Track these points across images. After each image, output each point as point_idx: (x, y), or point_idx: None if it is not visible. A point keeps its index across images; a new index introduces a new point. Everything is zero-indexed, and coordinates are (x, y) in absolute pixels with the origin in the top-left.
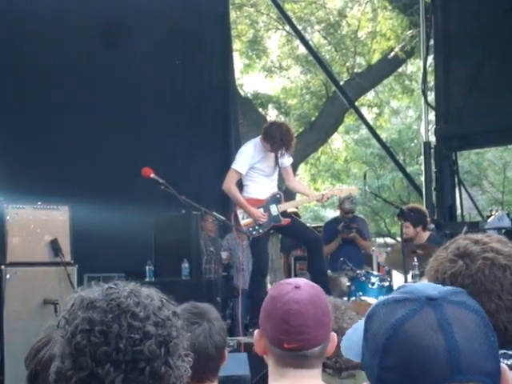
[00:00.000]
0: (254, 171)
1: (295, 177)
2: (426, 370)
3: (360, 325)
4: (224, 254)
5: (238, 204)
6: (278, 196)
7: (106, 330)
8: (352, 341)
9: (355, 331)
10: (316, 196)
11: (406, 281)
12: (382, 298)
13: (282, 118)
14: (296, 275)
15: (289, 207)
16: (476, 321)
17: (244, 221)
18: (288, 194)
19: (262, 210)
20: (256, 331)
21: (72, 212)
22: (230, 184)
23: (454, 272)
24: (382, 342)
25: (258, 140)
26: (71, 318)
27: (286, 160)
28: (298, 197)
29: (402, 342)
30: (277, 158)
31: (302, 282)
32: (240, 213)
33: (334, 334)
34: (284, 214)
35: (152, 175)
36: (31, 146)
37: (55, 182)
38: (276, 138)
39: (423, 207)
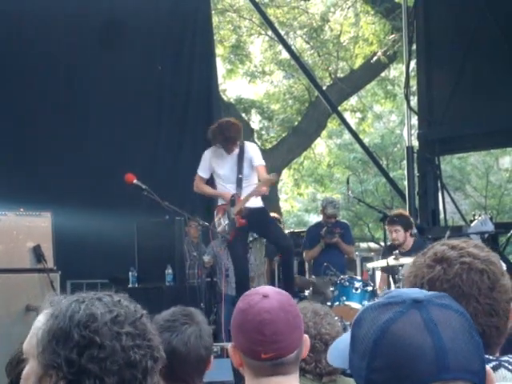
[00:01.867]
0: (217, 177)
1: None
2: (414, 369)
3: (345, 336)
4: (206, 258)
5: (210, 195)
6: (233, 198)
7: (149, 343)
8: (338, 350)
9: (341, 341)
10: (249, 195)
11: (388, 284)
12: (368, 303)
13: (266, 123)
14: (279, 281)
15: (238, 208)
16: (461, 322)
17: (219, 228)
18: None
19: (226, 216)
20: (229, 346)
21: (54, 218)
22: (197, 185)
23: (432, 277)
24: (371, 344)
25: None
26: (109, 335)
27: (256, 160)
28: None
29: (389, 343)
30: (239, 162)
31: (269, 290)
32: (216, 221)
33: (306, 337)
34: (265, 219)
35: (135, 181)
36: (12, 152)
37: (37, 188)
38: (216, 134)
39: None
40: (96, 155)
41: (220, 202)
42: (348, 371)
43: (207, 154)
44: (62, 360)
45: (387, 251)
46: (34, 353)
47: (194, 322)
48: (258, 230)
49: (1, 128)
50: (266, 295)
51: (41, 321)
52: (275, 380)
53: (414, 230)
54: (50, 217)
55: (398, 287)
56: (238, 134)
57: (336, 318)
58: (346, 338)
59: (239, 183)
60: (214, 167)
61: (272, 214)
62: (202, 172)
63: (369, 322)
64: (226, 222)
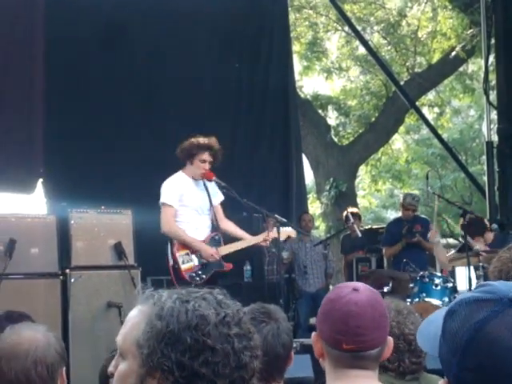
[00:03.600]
0: (184, 207)
1: (355, 178)
2: (507, 371)
3: (435, 317)
4: (285, 254)
5: (185, 243)
6: (217, 238)
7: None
8: (427, 333)
9: (430, 324)
10: (256, 239)
11: (469, 281)
12: (463, 295)
13: (342, 119)
14: (358, 277)
15: (228, 251)
16: None
17: (184, 265)
18: (351, 199)
19: (198, 254)
20: (313, 334)
21: (135, 216)
22: (169, 222)
23: None
24: (463, 342)
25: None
26: (223, 337)
27: (217, 196)
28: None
29: (482, 344)
30: (207, 190)
31: (361, 285)
32: (180, 256)
33: (390, 339)
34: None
35: (214, 178)
36: (92, 150)
37: (118, 187)
38: (178, 154)
39: (476, 215)
40: (173, 153)
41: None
42: (429, 367)
43: (173, 180)
44: (173, 364)
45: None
46: (135, 352)
47: (271, 320)
48: None
49: (81, 127)
50: (357, 289)
51: (138, 317)
52: (354, 373)
53: (494, 226)
54: (131, 214)
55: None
56: (187, 148)
57: (417, 315)
58: (437, 319)
59: (207, 217)
60: (183, 194)
61: (351, 209)
62: (169, 200)
63: (462, 318)
64: (200, 261)
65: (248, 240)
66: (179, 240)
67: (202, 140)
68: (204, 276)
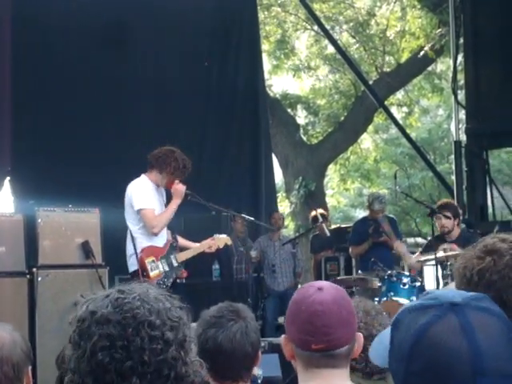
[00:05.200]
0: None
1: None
2: (450, 373)
3: (386, 333)
4: (253, 253)
5: (172, 212)
6: (175, 245)
7: (128, 344)
8: (379, 348)
9: (382, 339)
10: (201, 246)
11: (437, 279)
12: (406, 304)
13: (311, 118)
14: (327, 276)
15: (185, 258)
16: (499, 325)
17: (153, 272)
18: (320, 198)
19: (164, 261)
20: (282, 336)
21: (102, 214)
22: (155, 219)
23: (482, 268)
24: (408, 347)
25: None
26: (86, 335)
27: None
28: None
29: (426, 347)
30: (163, 198)
31: (325, 284)
32: (148, 263)
33: (360, 335)
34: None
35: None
36: (60, 149)
37: (85, 185)
38: (151, 158)
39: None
40: (143, 152)
41: (149, 243)
42: None
43: (140, 184)
44: None
45: (434, 242)
46: None
47: (240, 318)
48: None
49: (51, 126)
50: (321, 288)
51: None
52: (325, 372)
53: (462, 225)
54: (99, 213)
55: (447, 283)
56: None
57: (385, 314)
58: (386, 335)
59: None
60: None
61: (319, 210)
62: (149, 204)
63: (406, 325)
64: (166, 268)
65: (196, 248)
66: (169, 217)
67: (187, 165)
68: (168, 283)
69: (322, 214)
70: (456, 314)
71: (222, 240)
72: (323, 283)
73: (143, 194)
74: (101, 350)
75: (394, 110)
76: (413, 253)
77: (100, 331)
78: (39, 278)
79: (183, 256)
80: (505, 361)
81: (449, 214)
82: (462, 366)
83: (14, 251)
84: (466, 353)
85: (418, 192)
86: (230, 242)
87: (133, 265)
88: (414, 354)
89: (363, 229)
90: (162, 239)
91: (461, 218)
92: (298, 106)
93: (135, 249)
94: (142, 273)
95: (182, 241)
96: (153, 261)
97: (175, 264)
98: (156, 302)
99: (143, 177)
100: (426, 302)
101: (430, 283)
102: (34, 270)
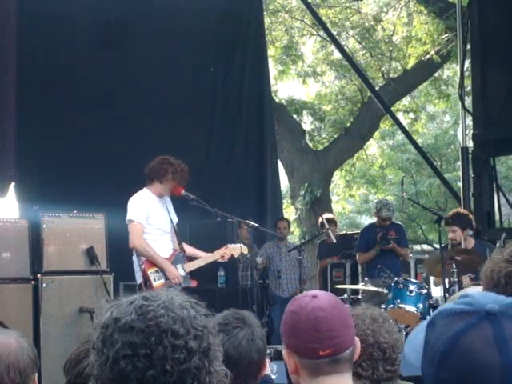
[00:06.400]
0: (149, 226)
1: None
2: None
3: (421, 328)
4: (259, 260)
5: (153, 260)
6: (182, 255)
7: (150, 353)
8: (413, 345)
9: (416, 335)
10: (213, 256)
11: (444, 288)
12: (443, 306)
13: (317, 124)
14: (332, 283)
15: (194, 267)
16: None
17: (156, 283)
18: (325, 204)
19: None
20: (283, 351)
21: (108, 220)
22: (138, 238)
23: (509, 271)
24: (439, 354)
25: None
26: (109, 342)
27: (174, 216)
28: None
29: (457, 357)
30: (167, 210)
31: (316, 291)
32: (151, 273)
33: (356, 339)
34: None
35: (182, 192)
36: (65, 155)
37: (90, 191)
38: (147, 172)
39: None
40: (148, 157)
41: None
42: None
43: (139, 197)
44: None
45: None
46: None
47: (245, 326)
48: None
49: (54, 132)
50: (315, 296)
51: None
52: (334, 379)
53: (469, 232)
54: (104, 219)
55: (453, 290)
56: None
57: (392, 322)
58: (421, 331)
59: (170, 236)
60: (150, 212)
61: (327, 215)
62: (139, 217)
63: (439, 329)
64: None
65: (207, 257)
66: (147, 256)
67: (184, 168)
68: None
69: (329, 219)
70: (491, 323)
71: (237, 249)
72: (314, 291)
73: (136, 207)
74: (123, 358)
75: (400, 116)
76: (420, 260)
77: (123, 339)
78: (44, 284)
79: (192, 265)
80: None
81: (454, 228)
82: (492, 380)
83: (18, 257)
84: (497, 367)
85: (424, 199)
86: (246, 251)
87: (139, 278)
88: (445, 361)
89: (370, 236)
90: (166, 249)
91: (472, 226)
92: (304, 112)
93: (139, 261)
94: (145, 283)
95: (190, 249)
96: (156, 271)
97: (183, 273)
98: (181, 309)
99: (145, 190)
100: (462, 308)
101: (436, 290)
102: (39, 276)
